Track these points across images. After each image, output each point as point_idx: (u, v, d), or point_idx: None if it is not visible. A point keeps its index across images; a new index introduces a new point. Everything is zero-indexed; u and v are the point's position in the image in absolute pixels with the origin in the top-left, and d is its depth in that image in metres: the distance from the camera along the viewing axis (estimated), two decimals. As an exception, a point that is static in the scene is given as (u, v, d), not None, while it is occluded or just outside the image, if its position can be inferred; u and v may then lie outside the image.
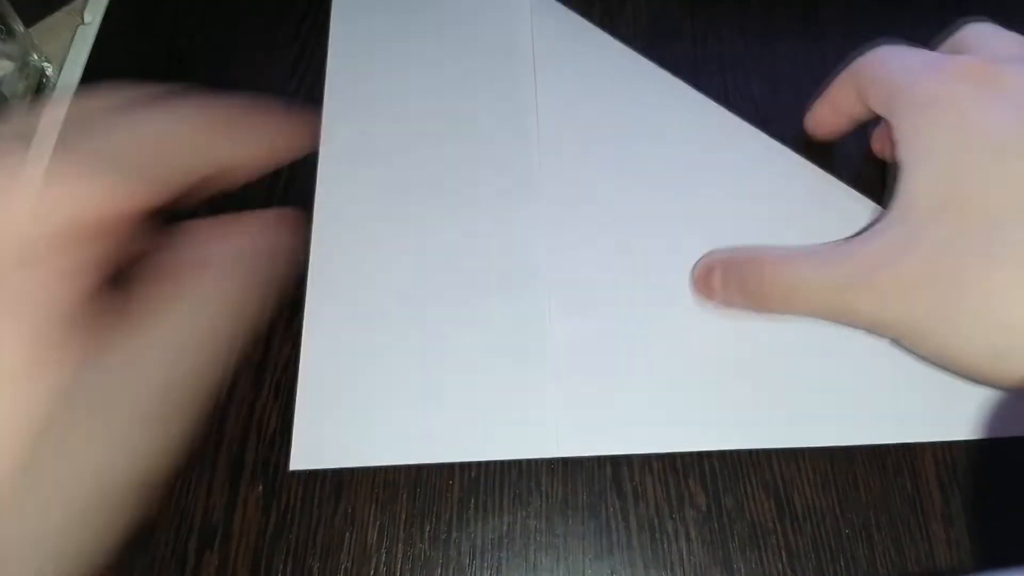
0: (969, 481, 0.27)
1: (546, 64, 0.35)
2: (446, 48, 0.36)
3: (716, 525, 0.27)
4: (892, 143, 0.27)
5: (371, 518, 0.27)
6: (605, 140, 0.34)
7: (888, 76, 0.27)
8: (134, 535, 0.27)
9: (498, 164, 0.33)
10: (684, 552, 0.26)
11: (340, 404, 0.29)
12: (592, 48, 0.36)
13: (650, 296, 0.30)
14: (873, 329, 0.26)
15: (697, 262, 0.30)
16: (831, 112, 0.31)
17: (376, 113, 0.35)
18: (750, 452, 0.28)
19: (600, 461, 0.28)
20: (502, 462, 0.28)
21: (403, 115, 0.35)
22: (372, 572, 0.26)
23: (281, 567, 0.27)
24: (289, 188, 0.33)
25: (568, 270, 0.31)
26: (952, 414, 0.28)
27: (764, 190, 0.32)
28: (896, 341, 0.26)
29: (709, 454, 0.28)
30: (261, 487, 0.28)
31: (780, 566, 0.26)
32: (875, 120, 0.30)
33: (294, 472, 0.28)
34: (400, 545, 0.27)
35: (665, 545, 0.26)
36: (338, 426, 0.29)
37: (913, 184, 0.25)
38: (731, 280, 0.28)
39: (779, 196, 0.32)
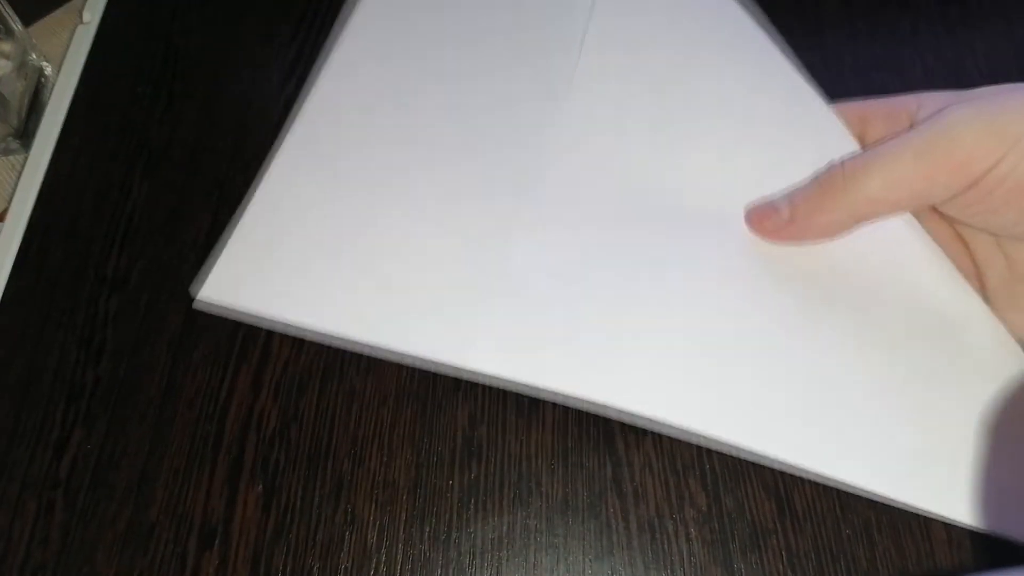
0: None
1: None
2: None
3: (716, 525, 0.27)
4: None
5: (371, 518, 0.27)
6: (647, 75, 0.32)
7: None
8: (134, 535, 0.27)
9: (530, 76, 0.33)
10: (684, 552, 0.26)
11: (275, 250, 0.28)
12: None
13: (633, 245, 0.29)
14: (976, 168, 0.24)
15: (748, 208, 0.29)
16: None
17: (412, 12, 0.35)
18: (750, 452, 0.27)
19: (600, 461, 0.28)
20: (502, 462, 0.28)
21: (438, 25, 0.35)
22: (372, 572, 0.26)
23: (281, 567, 0.26)
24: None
25: (555, 200, 0.30)
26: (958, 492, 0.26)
27: (806, 156, 0.30)
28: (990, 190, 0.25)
29: (709, 453, 0.28)
30: (261, 487, 0.28)
31: (780, 566, 0.26)
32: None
33: (198, 307, 0.27)
34: (400, 545, 0.27)
35: (665, 545, 0.26)
36: (263, 270, 0.28)
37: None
38: (806, 197, 0.27)
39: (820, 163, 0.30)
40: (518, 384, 0.26)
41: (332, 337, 0.27)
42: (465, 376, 0.26)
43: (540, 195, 0.31)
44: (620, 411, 0.26)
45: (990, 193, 0.24)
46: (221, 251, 0.28)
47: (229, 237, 0.28)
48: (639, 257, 0.29)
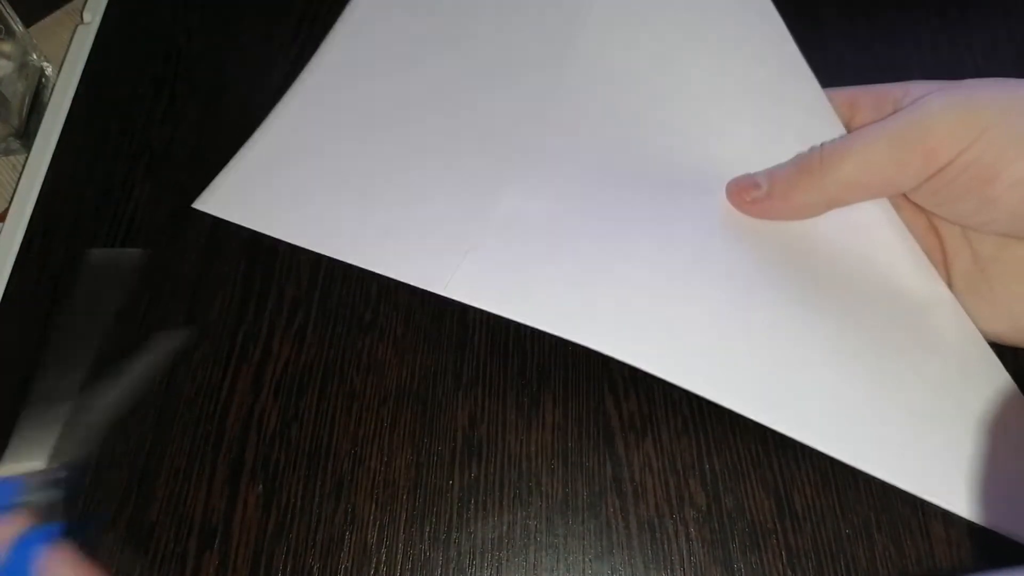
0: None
1: None
2: None
3: (716, 525, 0.27)
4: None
5: (371, 518, 0.27)
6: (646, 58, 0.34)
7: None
8: (134, 535, 0.27)
9: (536, 38, 0.34)
10: (684, 552, 0.26)
11: (277, 171, 0.31)
12: None
13: (615, 204, 0.30)
14: (953, 151, 0.25)
15: (729, 181, 0.29)
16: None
17: None
18: (750, 451, 0.28)
19: (600, 461, 0.28)
20: (502, 462, 0.28)
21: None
22: (372, 572, 0.26)
23: (281, 567, 0.27)
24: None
25: (548, 153, 0.31)
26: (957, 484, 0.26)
27: (794, 135, 0.30)
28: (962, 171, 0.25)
29: (709, 453, 0.28)
30: (261, 487, 0.28)
31: (780, 566, 0.26)
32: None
33: (198, 211, 0.31)
34: (400, 545, 0.27)
35: (665, 545, 0.26)
36: (264, 189, 0.31)
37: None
38: (785, 177, 0.28)
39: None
40: (492, 314, 0.28)
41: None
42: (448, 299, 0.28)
43: (535, 147, 0.32)
44: (601, 352, 0.27)
45: (953, 180, 0.25)
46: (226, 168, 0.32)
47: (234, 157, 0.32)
48: (620, 216, 0.30)
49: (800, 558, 0.26)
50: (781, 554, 0.26)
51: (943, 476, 0.25)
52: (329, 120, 0.33)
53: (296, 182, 0.31)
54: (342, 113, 0.33)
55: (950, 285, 0.28)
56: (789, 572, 0.26)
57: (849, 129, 0.29)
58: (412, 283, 0.29)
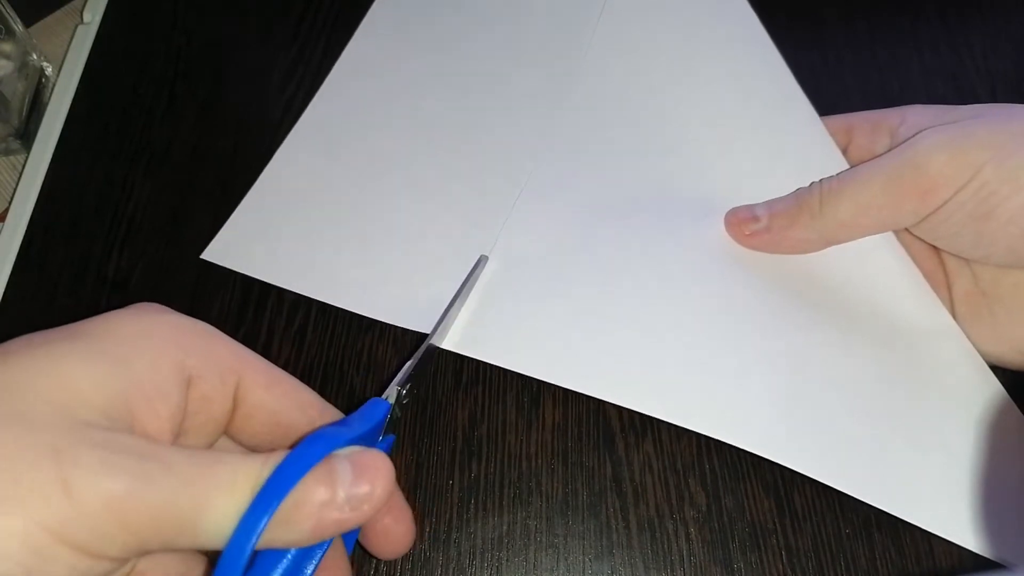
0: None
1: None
2: None
3: (716, 525, 0.27)
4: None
5: (371, 518, 0.27)
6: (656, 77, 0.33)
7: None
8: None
9: (539, 68, 0.34)
10: (684, 552, 0.26)
11: (276, 221, 0.32)
12: None
13: (612, 239, 0.30)
14: (949, 188, 0.25)
15: (728, 212, 0.29)
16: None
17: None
18: (750, 451, 0.28)
19: (600, 461, 0.28)
20: (502, 462, 0.28)
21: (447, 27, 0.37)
22: (372, 572, 0.26)
23: (281, 567, 0.26)
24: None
25: (544, 190, 0.31)
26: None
27: (793, 163, 0.30)
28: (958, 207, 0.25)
29: (709, 453, 0.28)
30: (261, 487, 0.28)
31: (780, 566, 0.26)
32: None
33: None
34: (400, 545, 0.27)
35: (665, 545, 0.26)
36: (264, 239, 0.31)
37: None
38: (784, 212, 0.28)
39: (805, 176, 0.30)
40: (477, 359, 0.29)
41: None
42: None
43: (530, 184, 0.32)
44: (600, 397, 0.27)
45: (949, 218, 0.25)
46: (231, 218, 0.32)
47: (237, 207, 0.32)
48: (617, 251, 0.30)
49: (800, 558, 0.26)
50: (781, 554, 0.26)
51: (951, 510, 0.25)
52: (325, 164, 0.33)
53: (295, 232, 0.32)
54: (338, 159, 0.33)
55: (952, 307, 0.28)
56: (789, 572, 0.26)
57: (846, 155, 0.29)
58: (411, 328, 0.30)
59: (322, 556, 0.19)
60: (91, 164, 0.35)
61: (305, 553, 0.18)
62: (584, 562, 0.26)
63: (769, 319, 0.28)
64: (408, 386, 0.25)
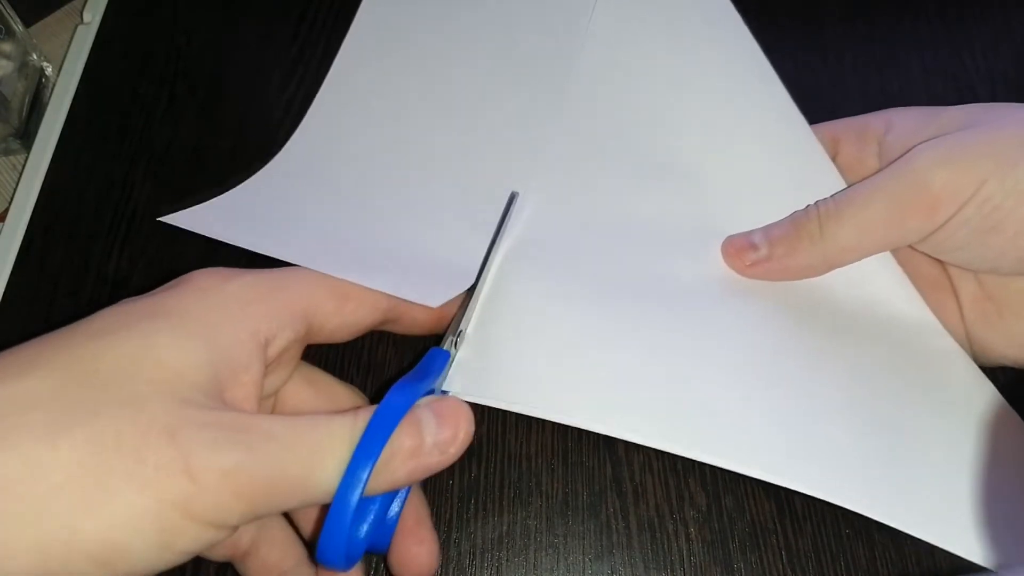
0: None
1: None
2: None
3: (716, 525, 0.27)
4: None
5: (371, 518, 0.27)
6: (647, 87, 0.33)
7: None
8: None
9: (523, 93, 0.34)
10: (684, 552, 0.26)
11: (287, 195, 0.31)
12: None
13: (610, 268, 0.29)
14: (952, 209, 0.25)
15: (725, 241, 0.29)
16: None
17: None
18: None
19: (600, 461, 0.28)
20: (502, 462, 0.28)
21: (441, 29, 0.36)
22: (372, 572, 0.26)
23: (281, 567, 0.26)
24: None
25: (544, 212, 0.30)
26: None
27: (786, 179, 0.30)
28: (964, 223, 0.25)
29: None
30: (261, 487, 0.28)
31: (780, 566, 0.26)
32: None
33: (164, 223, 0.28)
34: (400, 545, 0.27)
35: (665, 545, 0.26)
36: (268, 211, 0.30)
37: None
38: (783, 239, 0.27)
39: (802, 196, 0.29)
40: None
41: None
42: None
43: (526, 202, 0.31)
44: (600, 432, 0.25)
45: (953, 234, 0.25)
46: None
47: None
48: (615, 280, 0.28)
49: (800, 558, 0.26)
50: (781, 554, 0.26)
51: (960, 525, 0.25)
52: (321, 170, 0.32)
53: (306, 206, 0.31)
54: (335, 162, 0.33)
55: (961, 313, 0.28)
56: (789, 572, 0.26)
57: (836, 162, 0.29)
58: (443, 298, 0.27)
59: (407, 495, 0.22)
60: (91, 164, 0.35)
61: (393, 493, 0.21)
62: (584, 562, 0.26)
63: (771, 341, 0.27)
64: (460, 334, 0.26)
